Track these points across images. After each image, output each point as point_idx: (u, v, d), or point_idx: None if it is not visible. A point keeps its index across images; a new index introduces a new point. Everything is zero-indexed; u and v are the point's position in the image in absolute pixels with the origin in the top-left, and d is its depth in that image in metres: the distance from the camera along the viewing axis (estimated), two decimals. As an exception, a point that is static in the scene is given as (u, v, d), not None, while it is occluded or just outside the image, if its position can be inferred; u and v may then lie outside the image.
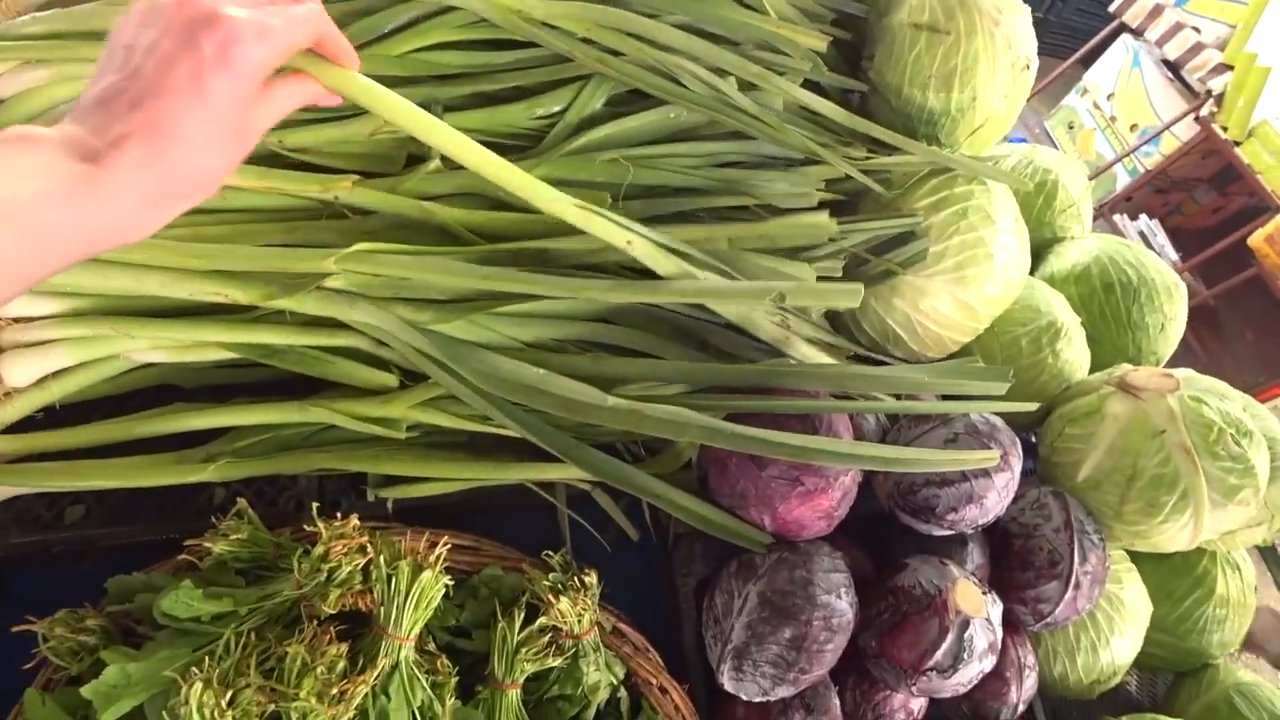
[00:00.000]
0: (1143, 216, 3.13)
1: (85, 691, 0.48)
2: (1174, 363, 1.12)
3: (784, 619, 0.59)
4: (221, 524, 0.57)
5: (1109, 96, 3.35)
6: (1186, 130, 2.85)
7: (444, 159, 0.68)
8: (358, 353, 0.66)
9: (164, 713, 0.46)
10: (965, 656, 0.59)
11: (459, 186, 0.69)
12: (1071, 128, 3.59)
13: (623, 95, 0.78)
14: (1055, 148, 3.67)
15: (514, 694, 0.58)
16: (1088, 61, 3.47)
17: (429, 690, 0.54)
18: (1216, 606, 0.96)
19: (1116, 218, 3.10)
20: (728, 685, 0.63)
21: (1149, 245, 3.03)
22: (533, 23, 0.73)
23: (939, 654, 0.59)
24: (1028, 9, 0.87)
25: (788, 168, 0.80)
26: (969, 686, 0.62)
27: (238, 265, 0.60)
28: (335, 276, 0.60)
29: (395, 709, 0.51)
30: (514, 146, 0.74)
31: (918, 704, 0.70)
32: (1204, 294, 2.77)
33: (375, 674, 0.50)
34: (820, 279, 0.71)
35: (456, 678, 0.57)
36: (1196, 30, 2.83)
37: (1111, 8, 3.05)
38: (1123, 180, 3.24)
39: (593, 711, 0.62)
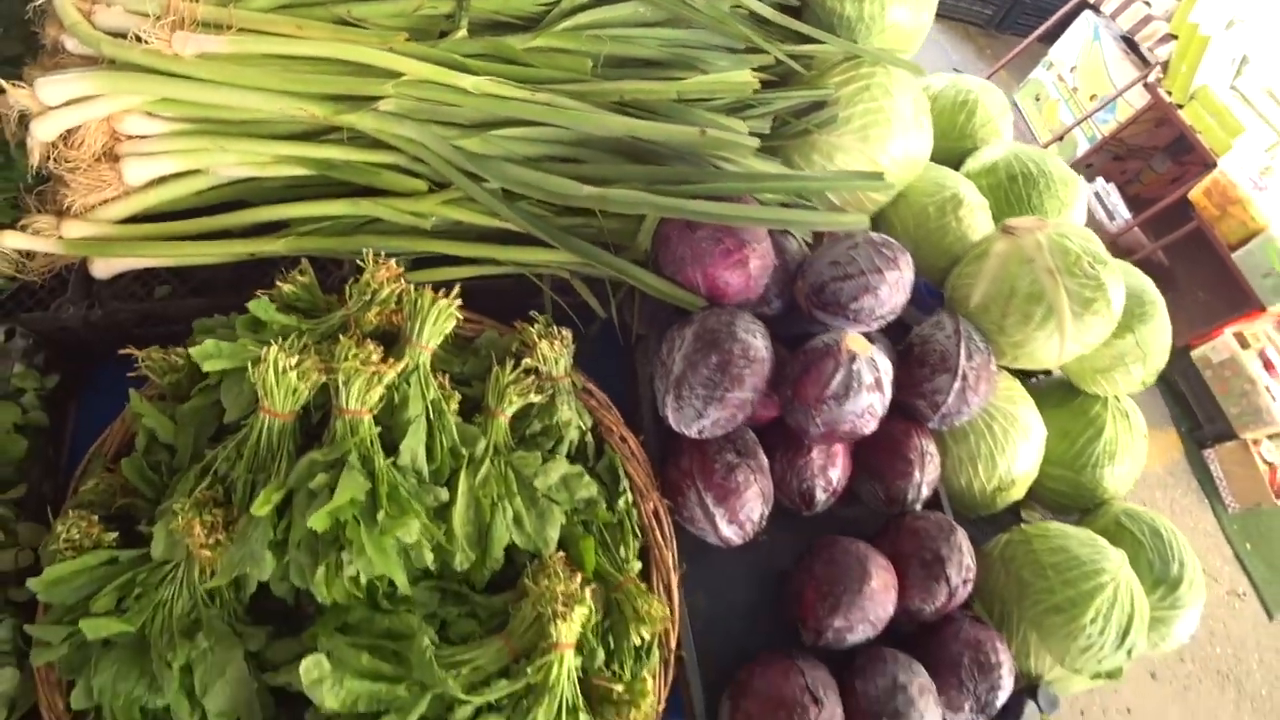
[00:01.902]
0: (1099, 179, 3.39)
1: (192, 352, 0.66)
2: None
3: (711, 348, 0.78)
4: (289, 275, 0.76)
5: (1072, 69, 3.60)
6: (1140, 99, 3.13)
7: (469, 29, 0.89)
8: (398, 168, 0.86)
9: (249, 373, 0.64)
10: (855, 386, 0.77)
11: (477, 49, 0.89)
12: (1038, 99, 3.85)
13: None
14: (1024, 120, 3.96)
15: (503, 421, 0.75)
16: (1055, 38, 3.76)
17: (439, 391, 0.71)
18: (1106, 444, 1.16)
19: (1075, 179, 3.38)
20: (670, 416, 0.81)
21: (1103, 204, 3.30)
22: None
23: (834, 384, 0.77)
24: None
25: (730, 53, 1.02)
26: (861, 416, 0.79)
27: (318, 89, 0.80)
28: (388, 100, 0.82)
29: (414, 396, 0.69)
30: (522, 25, 0.93)
31: (835, 474, 0.88)
32: (1149, 247, 3.04)
33: (401, 366, 0.68)
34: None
35: (458, 407, 0.74)
36: (1147, 4, 3.08)
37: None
38: (1084, 148, 3.52)
39: (565, 447, 0.79)
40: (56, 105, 0.74)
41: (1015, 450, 1.04)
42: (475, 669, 0.63)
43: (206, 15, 0.78)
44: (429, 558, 0.66)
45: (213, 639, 0.62)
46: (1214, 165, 2.72)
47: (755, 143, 0.91)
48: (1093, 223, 3.27)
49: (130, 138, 0.80)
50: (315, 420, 0.70)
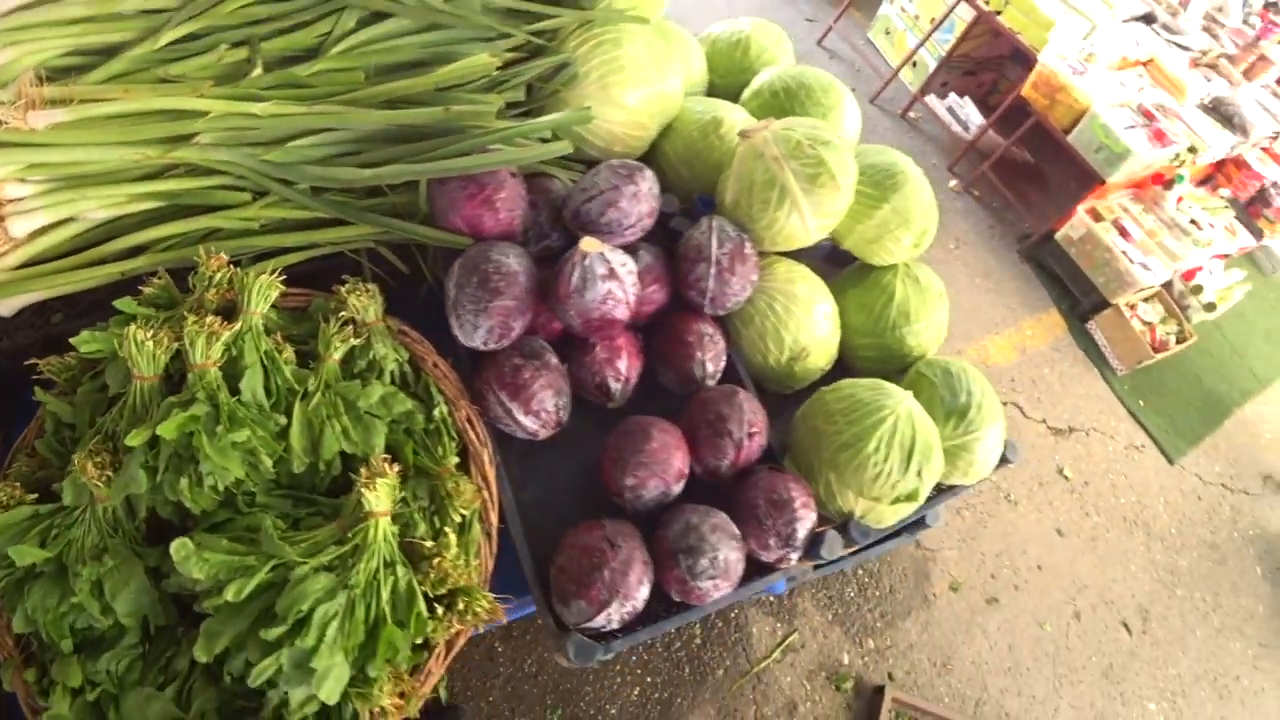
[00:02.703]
0: (952, 94, 3.70)
1: (74, 340, 0.86)
2: (994, 211, 1.49)
3: (471, 271, 0.97)
4: (150, 282, 0.95)
5: (911, 0, 3.95)
6: (970, 15, 3.44)
7: (267, 66, 1.10)
8: (227, 186, 1.07)
9: (117, 350, 0.85)
10: (590, 278, 0.97)
11: (271, 81, 1.10)
12: (888, 33, 4.16)
13: (369, 16, 1.20)
14: (880, 55, 4.27)
15: (331, 363, 0.94)
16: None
17: (272, 346, 0.91)
18: (900, 306, 1.32)
19: (929, 99, 3.67)
20: (458, 334, 1.01)
21: (956, 117, 3.60)
22: None
23: (574, 279, 0.97)
24: None
25: (485, 42, 1.22)
26: (601, 302, 0.98)
27: (148, 136, 1.00)
28: (203, 135, 1.03)
29: (249, 349, 0.88)
30: (307, 55, 1.14)
31: (622, 365, 1.06)
32: (1004, 145, 3.34)
33: (236, 327, 0.88)
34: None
35: (293, 357, 0.94)
36: None
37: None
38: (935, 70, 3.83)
39: (386, 376, 0.99)
40: None
41: (799, 322, 1.20)
42: (314, 543, 0.83)
43: (52, 95, 0.98)
44: (268, 463, 0.86)
45: (117, 559, 0.81)
46: (1035, 60, 3.03)
47: (493, 110, 1.11)
48: (950, 134, 3.57)
49: (10, 201, 0.98)
50: (176, 380, 0.89)
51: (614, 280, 1.00)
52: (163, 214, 1.09)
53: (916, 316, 1.33)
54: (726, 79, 1.63)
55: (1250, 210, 4.15)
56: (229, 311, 0.93)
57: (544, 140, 1.15)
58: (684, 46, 1.52)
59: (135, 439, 0.80)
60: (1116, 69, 3.35)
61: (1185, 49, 3.67)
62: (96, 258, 1.04)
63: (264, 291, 0.92)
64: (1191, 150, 3.17)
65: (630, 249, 1.15)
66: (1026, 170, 3.66)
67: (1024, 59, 3.60)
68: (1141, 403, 2.95)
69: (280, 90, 1.10)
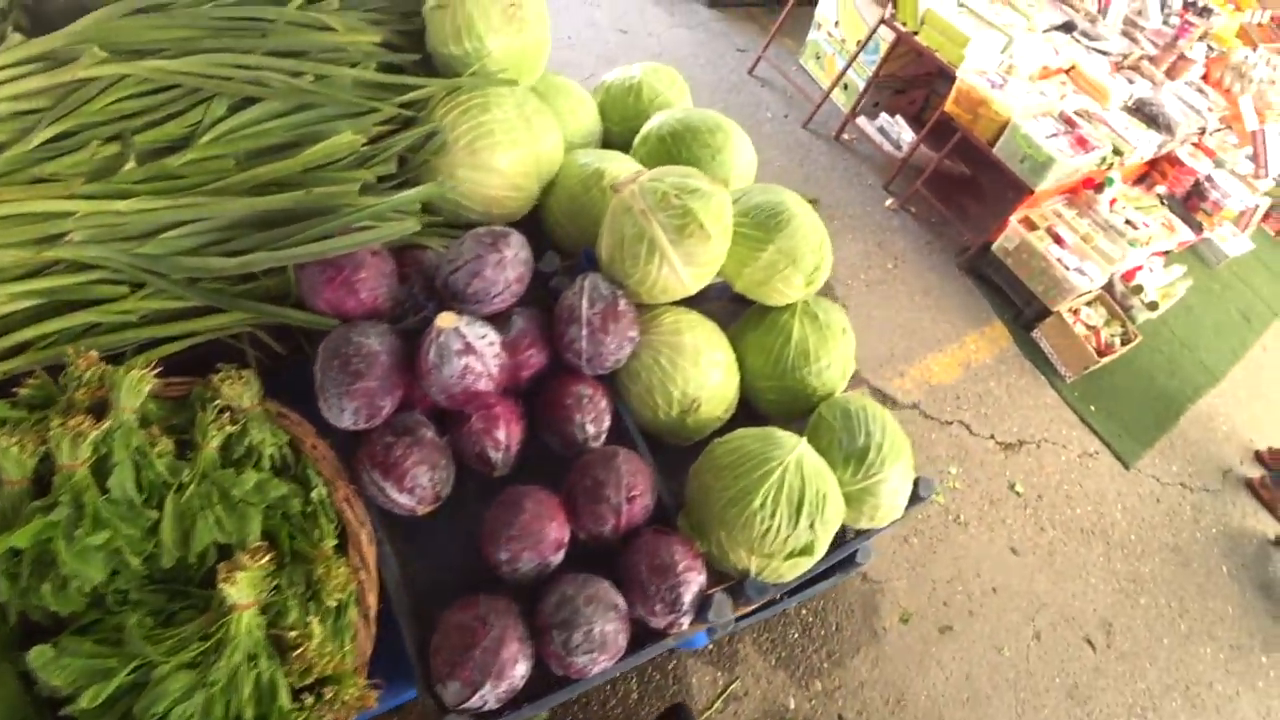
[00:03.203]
0: (883, 115, 3.84)
1: None
2: (932, 227, 1.51)
3: (333, 355, 0.98)
4: (25, 382, 0.95)
5: (836, 24, 4.09)
6: (891, 36, 3.59)
7: (140, 158, 1.12)
8: (105, 280, 1.07)
9: None
10: (445, 354, 0.97)
11: (143, 175, 1.12)
12: (818, 58, 4.32)
13: (239, 101, 1.23)
14: (813, 79, 4.42)
15: (210, 453, 0.94)
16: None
17: (144, 440, 0.91)
18: (798, 346, 1.32)
19: (860, 120, 3.80)
20: (327, 415, 1.01)
21: (888, 136, 3.72)
22: (173, 74, 1.17)
23: (431, 356, 0.98)
24: None
25: (356, 118, 1.26)
26: (460, 377, 0.99)
27: (22, 237, 1.01)
28: (75, 233, 1.04)
29: (119, 446, 0.88)
30: (176, 147, 1.15)
31: (501, 434, 1.06)
32: (934, 160, 3.45)
33: (104, 425, 0.88)
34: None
35: (173, 449, 0.94)
36: None
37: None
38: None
39: (265, 462, 0.99)
40: None
41: (686, 375, 1.19)
42: (179, 640, 0.83)
43: None
44: (135, 561, 0.86)
45: (-10, 666, 0.79)
46: (954, 76, 3.16)
47: (354, 189, 1.13)
48: (883, 153, 3.69)
49: None
50: (48, 481, 0.88)
51: (471, 355, 1.01)
52: (43, 311, 1.08)
53: (816, 356, 1.34)
54: (621, 126, 1.67)
55: (1188, 205, 4.32)
56: (102, 409, 0.93)
57: (417, 212, 1.17)
58: (569, 100, 1.56)
59: (-1, 546, 0.79)
60: (1038, 79, 3.50)
61: (1105, 54, 3.85)
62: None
63: (134, 387, 0.92)
64: (1117, 153, 3.31)
65: (504, 315, 1.17)
66: (963, 183, 3.78)
67: (950, 77, 3.77)
68: (1093, 408, 3.02)
69: (152, 183, 1.12)
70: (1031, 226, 3.19)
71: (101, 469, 0.89)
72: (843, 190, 3.58)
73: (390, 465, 1.01)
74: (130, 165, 1.11)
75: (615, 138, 1.68)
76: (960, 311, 3.16)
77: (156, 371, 0.97)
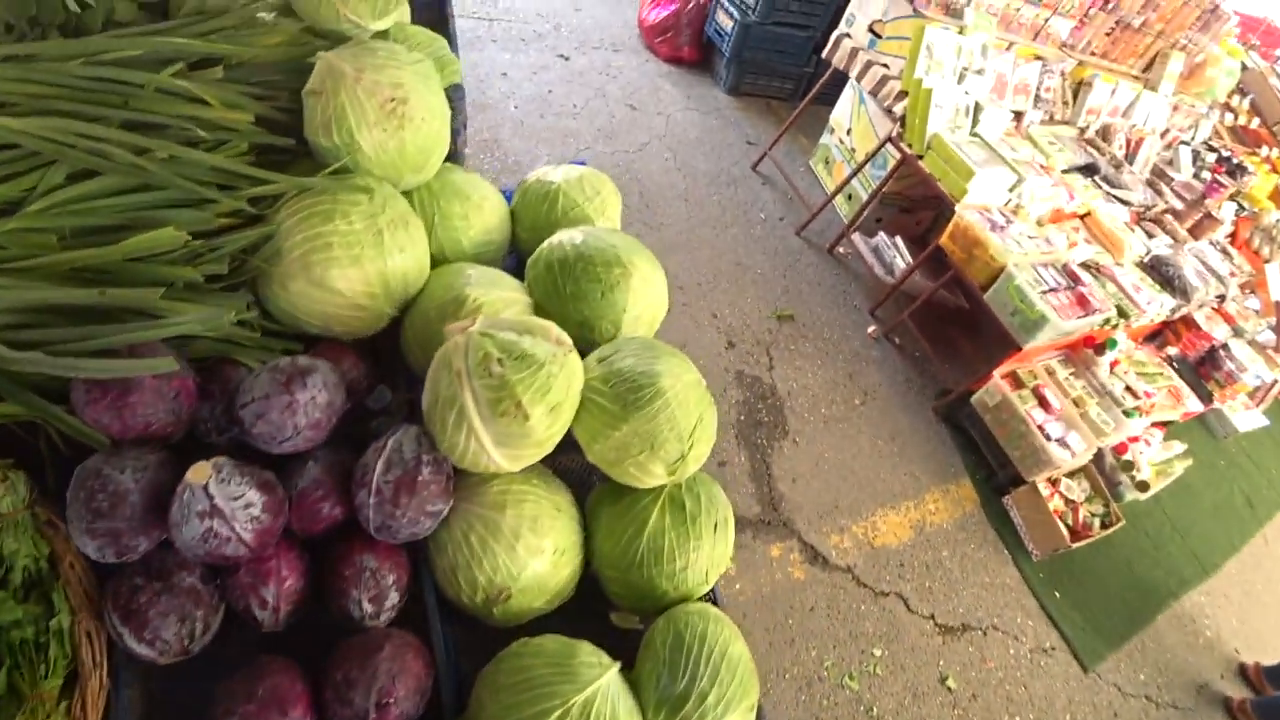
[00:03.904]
0: (880, 234, 3.78)
1: None
2: (914, 362, 1.30)
3: (79, 487, 0.91)
4: None
5: (849, 132, 4.11)
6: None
7: None
8: None
9: None
10: (186, 514, 0.87)
11: None
12: (827, 163, 4.34)
13: (84, 173, 1.18)
14: (819, 184, 4.42)
15: None
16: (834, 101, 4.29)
17: None
18: (650, 540, 1.15)
19: (855, 236, 3.76)
20: (76, 542, 0.92)
21: (881, 259, 3.67)
22: (15, 132, 1.12)
23: (174, 513, 0.88)
24: (395, 64, 1.29)
25: (201, 205, 1.20)
26: (203, 540, 0.89)
27: None
28: None
29: None
30: (9, 210, 1.09)
31: (269, 591, 0.96)
32: (927, 291, 3.37)
33: None
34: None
35: None
36: (886, 66, 3.62)
37: (825, 53, 3.86)
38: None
39: (17, 575, 0.92)
40: None
41: (496, 561, 1.06)
42: None
43: None
44: None
45: None
46: (953, 209, 3.11)
47: (156, 294, 1.04)
48: (873, 276, 3.63)
49: None
50: None
51: (216, 518, 0.90)
52: None
53: (672, 556, 1.17)
54: (531, 235, 1.57)
55: (1200, 371, 4.20)
56: None
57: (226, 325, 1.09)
58: (466, 204, 1.47)
59: None
60: (1048, 221, 3.45)
61: (1127, 204, 3.81)
62: None
63: None
64: (1122, 315, 3.21)
65: (301, 457, 1.07)
66: (958, 317, 3.70)
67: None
68: (1057, 594, 2.83)
69: None
70: (1017, 384, 3.08)
71: None
72: (824, 309, 3.51)
73: (131, 611, 0.92)
74: None
75: (525, 248, 1.60)
76: (926, 463, 3.02)
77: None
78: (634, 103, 4.58)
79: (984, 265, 3.02)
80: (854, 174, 3.74)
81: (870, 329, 3.48)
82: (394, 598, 1.06)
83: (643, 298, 1.40)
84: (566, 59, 4.87)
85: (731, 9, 4.63)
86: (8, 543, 0.94)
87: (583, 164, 1.79)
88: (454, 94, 1.52)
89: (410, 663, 0.99)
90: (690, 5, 4.94)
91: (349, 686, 0.95)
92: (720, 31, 4.79)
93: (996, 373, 3.05)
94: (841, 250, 3.82)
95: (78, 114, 1.18)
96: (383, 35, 1.46)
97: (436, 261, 1.43)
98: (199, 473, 0.91)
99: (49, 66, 1.20)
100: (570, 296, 1.34)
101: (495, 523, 1.09)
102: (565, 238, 1.41)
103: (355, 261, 1.17)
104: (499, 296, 1.31)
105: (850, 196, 4.02)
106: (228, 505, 0.91)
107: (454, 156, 1.62)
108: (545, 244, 1.42)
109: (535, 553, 1.10)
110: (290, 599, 1.02)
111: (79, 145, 1.15)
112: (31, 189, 1.13)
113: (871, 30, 3.66)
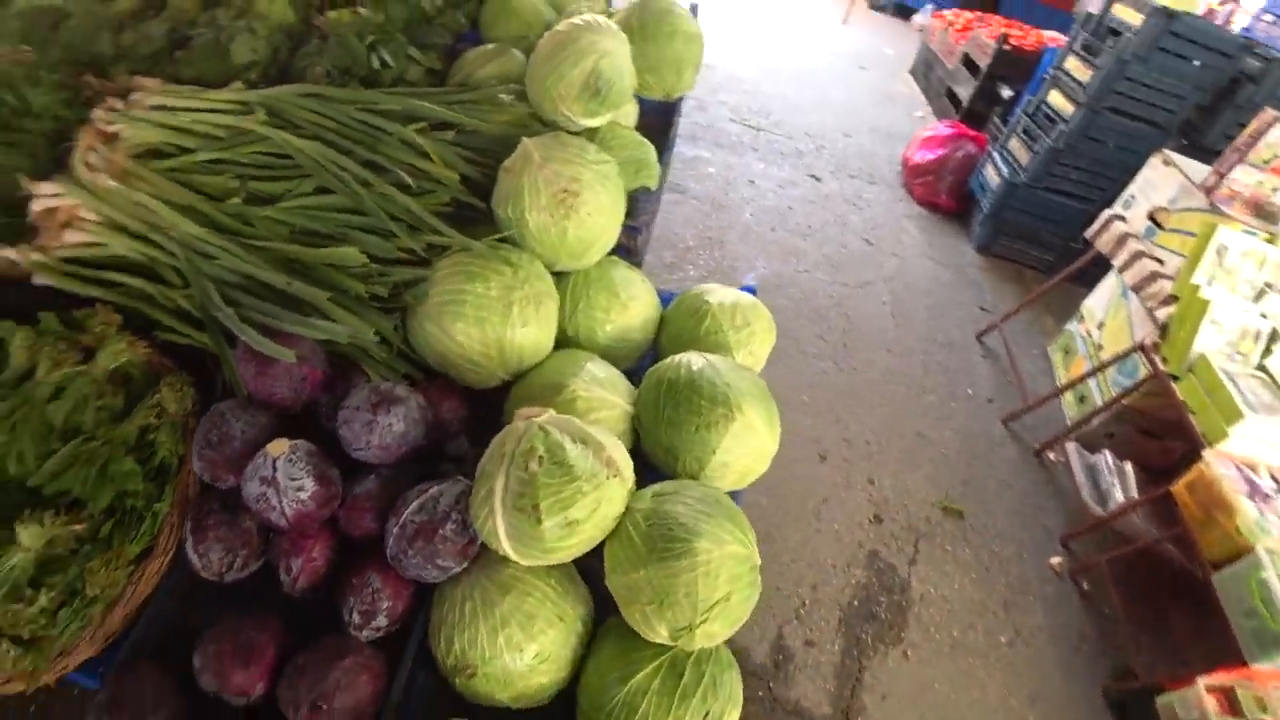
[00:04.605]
0: (1106, 453, 3.21)
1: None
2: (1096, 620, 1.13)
3: (207, 418, 1.17)
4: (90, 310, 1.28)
5: (1100, 325, 3.67)
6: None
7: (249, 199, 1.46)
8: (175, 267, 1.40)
9: None
10: (252, 474, 1.07)
11: (235, 211, 1.44)
12: (1067, 353, 3.88)
13: (321, 187, 1.51)
14: (1052, 372, 3.96)
15: (130, 429, 1.19)
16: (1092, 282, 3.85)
17: (92, 389, 1.19)
18: (630, 694, 1.09)
19: (1070, 445, 3.26)
20: (196, 469, 1.17)
21: (1095, 482, 3.15)
22: (295, 148, 1.48)
23: (248, 469, 1.09)
24: (580, 160, 1.42)
25: (388, 237, 1.43)
26: (255, 501, 1.07)
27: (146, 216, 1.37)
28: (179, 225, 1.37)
29: (77, 386, 1.16)
30: (267, 200, 1.47)
31: (297, 563, 1.12)
32: (1144, 539, 2.79)
33: (81, 366, 1.18)
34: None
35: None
36: (1160, 261, 3.09)
37: (1088, 233, 3.52)
38: (1102, 417, 3.41)
39: (156, 460, 1.20)
40: (46, 195, 1.40)
41: (474, 636, 1.07)
42: None
43: (126, 167, 1.43)
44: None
45: None
46: (1200, 454, 2.59)
47: (324, 298, 1.30)
48: (1078, 499, 3.12)
49: (76, 220, 1.42)
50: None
51: (271, 487, 1.07)
52: (130, 265, 1.43)
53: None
54: (672, 346, 1.65)
55: None
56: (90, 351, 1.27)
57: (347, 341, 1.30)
58: (615, 299, 1.57)
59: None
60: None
61: None
62: (93, 276, 1.41)
63: (112, 348, 1.26)
64: None
65: (368, 469, 1.22)
66: (1179, 583, 3.02)
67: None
68: None
69: (237, 219, 1.44)
70: (1232, 708, 2.41)
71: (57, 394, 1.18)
72: (1004, 517, 3.09)
73: (199, 525, 1.14)
74: (236, 200, 1.46)
75: (663, 356, 1.65)
76: (1071, 748, 2.46)
77: (149, 345, 1.29)
78: (871, 238, 4.56)
79: (1225, 537, 2.46)
80: (1093, 373, 3.31)
81: (1054, 560, 2.99)
82: (382, 620, 1.14)
83: (738, 445, 1.35)
84: (818, 180, 5.01)
85: (1002, 165, 4.46)
86: (163, 433, 1.23)
87: (752, 291, 1.82)
88: (641, 197, 1.66)
89: (361, 682, 1.06)
90: (960, 153, 4.86)
91: (300, 674, 1.05)
92: (984, 185, 4.62)
93: (1204, 681, 2.43)
94: (1051, 457, 3.37)
95: (337, 145, 1.51)
96: (592, 132, 1.66)
97: (570, 343, 1.56)
98: (277, 446, 1.09)
99: (335, 106, 1.56)
100: (665, 420, 1.35)
101: (492, 602, 1.13)
102: (687, 360, 1.42)
103: (479, 323, 1.32)
104: (599, 396, 1.38)
105: (1083, 398, 3.56)
106: (285, 481, 1.07)
107: (628, 252, 1.76)
108: (668, 360, 1.45)
109: (514, 648, 1.11)
110: (309, 576, 1.16)
111: (328, 167, 1.47)
112: (287, 190, 1.47)
113: (1152, 218, 3.28)
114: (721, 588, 1.10)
